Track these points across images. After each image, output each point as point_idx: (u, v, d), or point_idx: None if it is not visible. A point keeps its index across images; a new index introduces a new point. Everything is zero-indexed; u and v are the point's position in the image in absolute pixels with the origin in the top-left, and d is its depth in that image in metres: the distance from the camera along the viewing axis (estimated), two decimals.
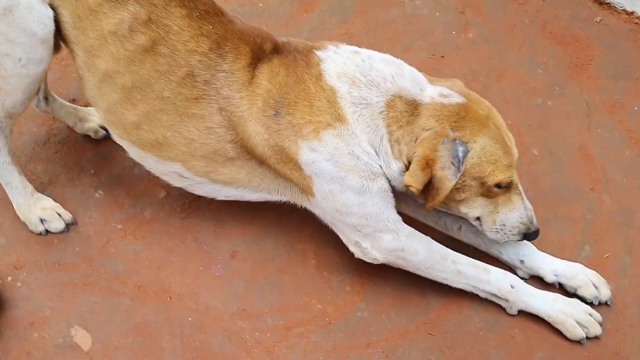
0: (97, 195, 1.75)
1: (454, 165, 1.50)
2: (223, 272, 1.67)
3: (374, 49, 1.66)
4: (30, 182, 1.68)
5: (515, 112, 2.15)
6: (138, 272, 1.64)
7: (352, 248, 1.61)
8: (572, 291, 1.70)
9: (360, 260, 1.67)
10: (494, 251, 1.77)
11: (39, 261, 1.63)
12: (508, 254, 1.74)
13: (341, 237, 1.62)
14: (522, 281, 1.68)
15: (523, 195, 1.66)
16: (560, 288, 1.73)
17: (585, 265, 1.74)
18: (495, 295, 1.65)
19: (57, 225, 1.65)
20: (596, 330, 1.63)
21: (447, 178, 1.49)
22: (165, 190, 1.79)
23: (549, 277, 1.71)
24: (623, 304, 1.75)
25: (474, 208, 1.63)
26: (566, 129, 2.13)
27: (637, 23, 2.44)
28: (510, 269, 1.74)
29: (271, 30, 1.69)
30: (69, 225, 1.67)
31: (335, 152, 1.48)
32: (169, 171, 1.58)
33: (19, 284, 1.59)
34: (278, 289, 1.66)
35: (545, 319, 1.65)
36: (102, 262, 1.65)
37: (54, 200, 1.70)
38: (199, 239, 1.73)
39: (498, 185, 1.57)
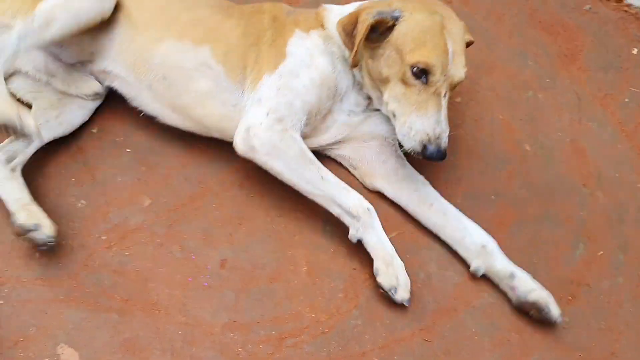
0: (80, 205, 1.69)
1: (379, 15, 1.60)
2: (212, 282, 1.63)
3: None
4: None
5: (507, 106, 2.12)
6: (124, 285, 1.59)
7: (240, 135, 1.65)
8: (523, 297, 1.64)
9: (354, 266, 1.65)
10: (457, 234, 1.73)
11: (21, 277, 1.56)
12: (472, 239, 1.71)
13: (240, 124, 1.67)
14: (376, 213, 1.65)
15: (443, 110, 1.63)
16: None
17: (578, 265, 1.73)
18: (349, 212, 1.62)
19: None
20: (404, 294, 1.60)
21: (366, 19, 1.59)
22: (149, 197, 1.73)
23: (505, 269, 1.67)
24: (618, 303, 1.74)
25: (393, 97, 1.66)
26: (557, 122, 2.11)
27: (626, 11, 2.42)
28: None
29: None
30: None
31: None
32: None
33: (0, 302, 1.53)
34: (269, 299, 1.62)
35: (372, 254, 1.62)
36: (87, 276, 1.59)
37: None
38: (186, 247, 1.67)
39: (414, 68, 1.59)
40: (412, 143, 1.63)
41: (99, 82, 1.81)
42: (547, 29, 2.35)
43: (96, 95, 1.81)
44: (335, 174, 1.65)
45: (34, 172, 1.71)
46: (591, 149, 2.05)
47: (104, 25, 1.72)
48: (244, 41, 1.74)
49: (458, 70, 1.63)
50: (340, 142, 1.85)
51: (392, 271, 1.59)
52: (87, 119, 1.83)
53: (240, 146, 1.65)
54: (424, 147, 1.61)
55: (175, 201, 1.73)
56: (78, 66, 1.81)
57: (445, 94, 1.63)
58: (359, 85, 1.79)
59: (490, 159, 1.98)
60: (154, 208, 1.72)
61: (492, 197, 1.90)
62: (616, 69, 2.25)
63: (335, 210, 1.63)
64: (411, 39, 1.60)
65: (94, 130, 1.84)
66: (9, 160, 1.65)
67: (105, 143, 1.82)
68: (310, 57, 1.72)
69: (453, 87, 1.67)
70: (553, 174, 1.98)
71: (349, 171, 1.88)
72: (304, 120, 1.69)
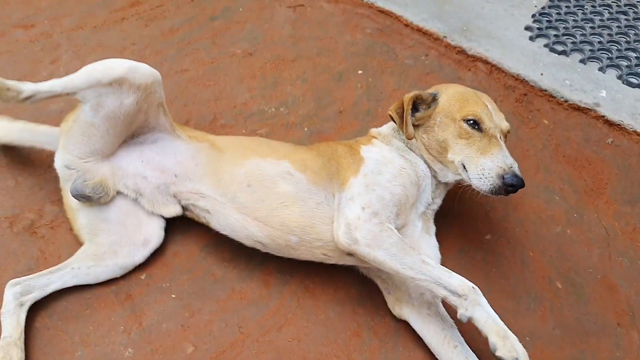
0: (127, 353, 1.77)
1: (419, 99, 1.96)
2: None
3: None
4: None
5: (535, 242, 2.17)
6: None
7: (341, 230, 1.77)
8: None
9: None
10: None
11: None
12: None
13: (336, 219, 1.82)
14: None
15: (505, 148, 1.86)
16: None
17: None
18: (455, 292, 1.64)
19: None
20: None
21: (408, 96, 1.93)
22: (192, 344, 1.81)
23: None
24: None
25: (457, 152, 1.88)
26: (587, 258, 2.14)
27: None
28: None
29: None
30: None
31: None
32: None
33: None
34: None
35: (485, 330, 1.61)
36: None
37: None
38: None
39: (467, 121, 1.87)
40: (490, 181, 1.80)
41: (179, 200, 1.98)
42: (572, 164, 2.44)
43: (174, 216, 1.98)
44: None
45: (85, 319, 1.82)
46: (623, 286, 2.06)
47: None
48: (320, 158, 1.96)
49: (502, 121, 1.94)
50: None
51: (509, 344, 1.58)
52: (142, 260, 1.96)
53: (342, 240, 1.77)
54: (502, 178, 1.79)
55: (216, 348, 1.80)
56: (162, 187, 1.96)
57: (500, 137, 1.89)
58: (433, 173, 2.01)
59: (523, 298, 2.02)
60: (196, 355, 1.79)
61: (527, 338, 1.92)
62: None
63: (441, 293, 1.67)
64: (455, 101, 1.93)
65: (143, 277, 1.96)
66: (24, 294, 1.78)
67: (152, 289, 1.93)
68: (383, 157, 1.94)
69: (505, 135, 1.93)
70: (586, 313, 2.00)
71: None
72: (394, 212, 1.82)
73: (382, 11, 3.16)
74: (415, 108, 1.98)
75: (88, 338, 1.79)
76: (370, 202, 1.79)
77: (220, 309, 1.90)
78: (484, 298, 1.67)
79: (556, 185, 2.35)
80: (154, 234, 1.97)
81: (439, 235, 2.02)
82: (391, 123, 2.08)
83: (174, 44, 2.92)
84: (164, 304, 1.89)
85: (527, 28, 2.99)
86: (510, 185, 1.78)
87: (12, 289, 1.78)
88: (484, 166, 1.82)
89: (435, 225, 2.03)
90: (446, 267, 2.02)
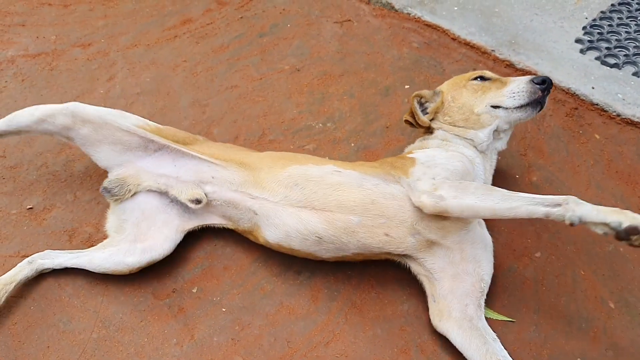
0: None
1: (422, 97, 2.24)
2: None
3: None
4: None
5: (587, 261, 2.13)
6: None
7: (424, 197, 1.78)
8: None
9: None
10: None
11: None
12: None
13: (412, 196, 1.84)
14: None
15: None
16: None
17: None
18: (554, 202, 1.61)
19: None
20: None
21: (411, 99, 2.22)
22: (242, 358, 1.85)
23: None
24: None
25: (480, 102, 2.10)
26: None
27: None
28: None
29: None
30: None
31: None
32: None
33: None
34: None
35: (598, 219, 1.56)
36: None
37: None
38: None
39: (474, 79, 2.15)
40: (522, 92, 2.06)
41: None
42: (625, 179, 2.39)
43: (198, 202, 2.00)
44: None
45: (140, 331, 1.89)
46: None
47: None
48: (368, 165, 2.02)
49: None
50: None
51: (630, 214, 1.54)
52: (171, 251, 2.02)
53: (428, 202, 1.77)
54: (532, 82, 2.05)
55: None
56: (197, 183, 2.04)
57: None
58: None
59: (574, 318, 1.98)
60: None
61: (579, 359, 1.88)
62: None
63: (541, 211, 1.62)
64: (455, 80, 2.22)
65: (194, 290, 2.01)
66: (37, 258, 2.01)
67: (204, 302, 1.98)
68: (431, 153, 2.00)
69: None
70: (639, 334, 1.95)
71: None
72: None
73: (429, 25, 3.16)
74: (423, 108, 2.22)
75: (142, 350, 1.85)
76: (438, 173, 1.85)
77: (270, 323, 1.94)
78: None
79: (608, 202, 2.30)
80: (157, 244, 2.00)
81: None
82: (418, 139, 2.23)
83: (224, 61, 2.99)
84: (215, 317, 1.94)
85: (578, 41, 2.94)
86: (541, 83, 2.03)
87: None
88: (510, 88, 2.07)
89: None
90: (495, 285, 2.01)
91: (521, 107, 2.06)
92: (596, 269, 2.11)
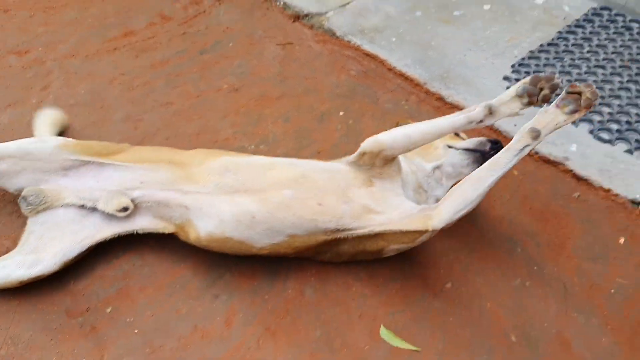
0: None
1: None
2: None
3: None
4: None
5: (494, 294, 2.23)
6: None
7: (362, 146, 2.00)
8: None
9: None
10: None
11: None
12: None
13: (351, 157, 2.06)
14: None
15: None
16: None
17: None
18: (469, 110, 1.90)
19: None
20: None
21: None
22: None
23: None
24: None
25: (442, 140, 2.29)
26: (544, 312, 2.20)
27: (613, 200, 2.56)
28: None
29: None
30: None
31: None
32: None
33: None
34: None
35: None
36: None
37: None
38: None
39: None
40: (475, 140, 2.29)
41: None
42: (538, 216, 2.51)
43: (125, 209, 2.02)
44: None
45: (50, 349, 1.89)
46: (576, 342, 2.12)
47: None
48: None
49: None
50: None
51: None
52: (62, 265, 2.01)
53: (366, 145, 1.99)
54: (487, 139, 2.27)
55: None
56: (122, 191, 2.05)
57: None
58: None
59: (478, 349, 2.07)
60: None
61: None
62: (603, 259, 2.36)
63: (461, 117, 1.89)
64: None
65: (108, 310, 2.02)
66: None
67: (117, 323, 1.99)
68: None
69: None
70: None
71: None
72: None
73: (367, 54, 3.25)
74: None
75: None
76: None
77: (182, 347, 1.96)
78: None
79: (519, 237, 2.42)
80: (47, 258, 1.99)
81: (399, 283, 2.10)
82: None
83: (163, 76, 3.01)
84: (127, 338, 1.96)
85: (505, 78, 3.08)
86: (494, 142, 2.26)
87: None
88: (467, 139, 2.32)
89: (398, 272, 2.14)
90: (404, 313, 2.09)
91: (467, 150, 2.21)
92: (502, 301, 2.21)
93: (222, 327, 2.02)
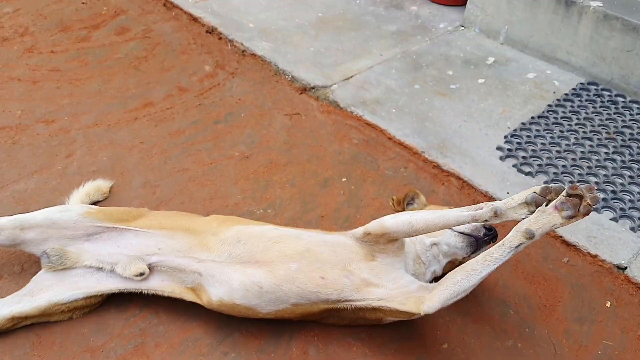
0: None
1: (416, 195, 2.66)
2: None
3: None
4: None
5: (488, 355, 2.35)
6: None
7: (367, 227, 2.13)
8: None
9: None
10: None
11: None
12: None
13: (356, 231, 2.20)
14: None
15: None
16: None
17: None
18: (475, 208, 1.94)
19: None
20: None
21: None
22: None
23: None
24: None
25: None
26: None
27: (600, 265, 2.72)
28: None
29: None
30: None
31: None
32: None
33: None
34: None
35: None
36: None
37: None
38: None
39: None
40: (471, 225, 2.32)
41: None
42: (529, 280, 2.66)
43: (141, 274, 2.18)
44: None
45: None
46: None
47: None
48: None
49: None
50: None
51: (531, 188, 1.89)
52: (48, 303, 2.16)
53: (371, 227, 2.12)
54: (483, 226, 2.32)
55: None
56: (140, 257, 2.21)
57: None
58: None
59: None
60: None
61: None
62: (591, 321, 2.49)
63: (467, 215, 1.94)
64: None
65: None
66: None
67: None
68: None
69: None
70: None
71: None
72: None
73: (368, 124, 3.48)
74: (411, 202, 2.66)
75: None
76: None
77: None
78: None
79: (512, 300, 2.56)
80: (34, 300, 2.15)
81: (398, 343, 2.23)
82: None
83: (179, 144, 3.24)
84: None
85: (499, 148, 3.29)
86: (489, 229, 2.32)
87: None
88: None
89: (397, 333, 2.27)
90: None
91: (462, 233, 2.33)
92: None
93: None
